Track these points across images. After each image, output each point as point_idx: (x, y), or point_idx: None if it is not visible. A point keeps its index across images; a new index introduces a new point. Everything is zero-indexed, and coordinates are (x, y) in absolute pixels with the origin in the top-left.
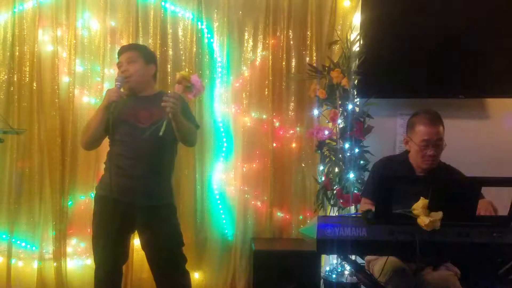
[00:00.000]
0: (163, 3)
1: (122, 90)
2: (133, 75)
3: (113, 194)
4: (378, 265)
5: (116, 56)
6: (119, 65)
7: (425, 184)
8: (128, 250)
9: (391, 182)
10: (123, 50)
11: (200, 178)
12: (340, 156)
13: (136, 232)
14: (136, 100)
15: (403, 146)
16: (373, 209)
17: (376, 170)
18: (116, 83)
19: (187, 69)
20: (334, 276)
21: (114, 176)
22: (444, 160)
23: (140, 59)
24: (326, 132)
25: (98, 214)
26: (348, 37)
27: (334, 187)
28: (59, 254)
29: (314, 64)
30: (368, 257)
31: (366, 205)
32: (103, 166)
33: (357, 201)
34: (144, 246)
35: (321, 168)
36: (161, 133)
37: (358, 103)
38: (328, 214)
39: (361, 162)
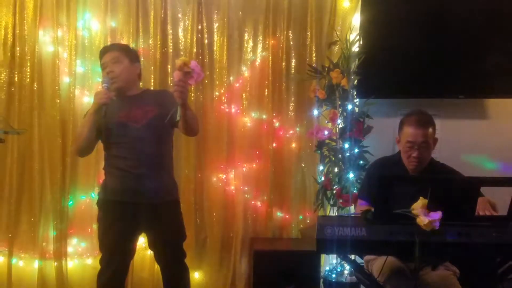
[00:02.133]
0: (163, 4)
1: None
2: (120, 75)
3: (117, 197)
4: (377, 265)
5: None
6: (103, 66)
7: (424, 184)
8: (135, 248)
9: (390, 182)
10: (105, 50)
11: (200, 178)
12: (340, 156)
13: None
14: (125, 100)
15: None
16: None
17: (371, 172)
18: (103, 84)
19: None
20: (333, 275)
21: (116, 178)
22: (444, 160)
23: (125, 58)
24: (326, 132)
25: (104, 219)
26: (348, 38)
27: (334, 187)
28: (60, 254)
29: (314, 65)
30: (366, 257)
31: (362, 206)
32: (103, 167)
33: (357, 201)
34: (151, 243)
35: (321, 168)
36: (178, 118)
37: (357, 103)
38: (327, 214)
39: (361, 162)
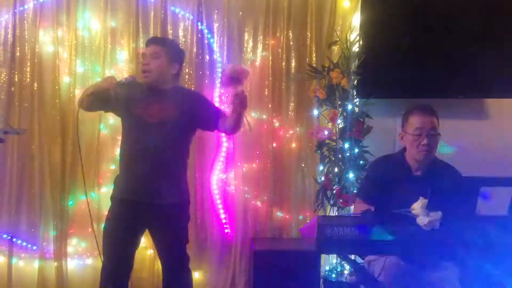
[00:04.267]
0: (163, 4)
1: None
2: (153, 71)
3: (123, 195)
4: (379, 265)
5: (117, 56)
6: (143, 56)
7: (424, 184)
8: (138, 244)
9: (391, 182)
10: (151, 41)
11: (200, 178)
12: (340, 156)
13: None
14: (151, 93)
15: (400, 144)
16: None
17: (372, 169)
18: (122, 79)
19: (187, 70)
20: (333, 275)
21: (124, 176)
22: (445, 160)
23: (164, 56)
24: (326, 132)
25: (109, 212)
26: (348, 38)
27: (334, 187)
28: (60, 254)
29: (314, 65)
30: (368, 257)
31: (359, 204)
32: (103, 166)
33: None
34: (155, 243)
35: (321, 168)
36: (250, 130)
37: (357, 103)
38: (328, 214)
39: (361, 162)
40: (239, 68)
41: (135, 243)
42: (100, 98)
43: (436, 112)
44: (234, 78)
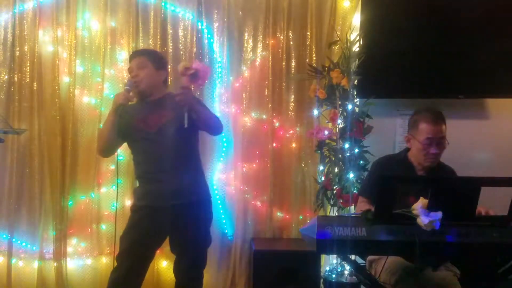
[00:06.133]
0: (163, 4)
1: (131, 94)
2: (143, 80)
3: (142, 202)
4: (380, 265)
5: (117, 56)
6: (130, 70)
7: (425, 184)
8: (155, 252)
9: (391, 182)
10: (134, 55)
11: None
12: (340, 156)
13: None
14: (145, 105)
15: (404, 143)
16: (369, 207)
17: (375, 169)
18: (126, 87)
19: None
20: (334, 276)
21: (140, 184)
22: (444, 160)
23: (150, 64)
24: (326, 132)
25: (129, 220)
26: (348, 37)
27: (334, 187)
28: (60, 254)
29: (314, 64)
30: (370, 257)
31: (362, 203)
32: (103, 166)
33: (357, 201)
34: (174, 247)
35: (321, 168)
36: (186, 125)
37: (357, 103)
38: (328, 214)
39: (361, 162)
40: (197, 64)
41: (151, 252)
42: (115, 124)
43: (444, 117)
44: (193, 74)
